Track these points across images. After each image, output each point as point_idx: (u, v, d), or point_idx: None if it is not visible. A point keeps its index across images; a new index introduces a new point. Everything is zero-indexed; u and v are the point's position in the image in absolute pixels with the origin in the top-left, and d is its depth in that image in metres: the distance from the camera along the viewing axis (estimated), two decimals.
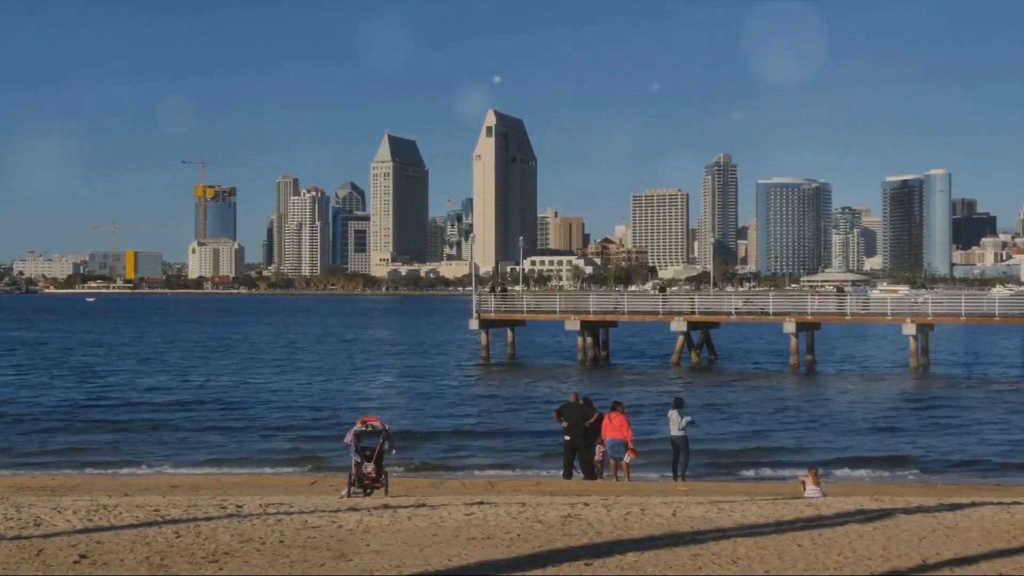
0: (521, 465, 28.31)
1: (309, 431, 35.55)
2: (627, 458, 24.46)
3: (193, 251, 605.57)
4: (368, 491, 18.03)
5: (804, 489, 21.07)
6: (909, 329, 56.75)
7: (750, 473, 27.83)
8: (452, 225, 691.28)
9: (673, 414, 25.71)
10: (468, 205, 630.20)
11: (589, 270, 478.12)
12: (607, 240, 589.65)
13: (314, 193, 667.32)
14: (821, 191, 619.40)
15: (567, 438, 24.93)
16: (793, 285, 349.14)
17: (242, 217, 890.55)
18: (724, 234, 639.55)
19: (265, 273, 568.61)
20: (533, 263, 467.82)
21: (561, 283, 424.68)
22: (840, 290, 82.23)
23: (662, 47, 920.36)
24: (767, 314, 62.60)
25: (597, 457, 24.85)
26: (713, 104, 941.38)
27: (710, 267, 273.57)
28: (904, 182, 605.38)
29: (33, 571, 9.96)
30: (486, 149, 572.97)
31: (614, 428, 24.48)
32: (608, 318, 65.38)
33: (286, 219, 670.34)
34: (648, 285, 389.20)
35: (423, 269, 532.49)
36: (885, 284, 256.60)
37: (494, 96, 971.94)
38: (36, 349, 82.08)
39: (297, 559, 10.48)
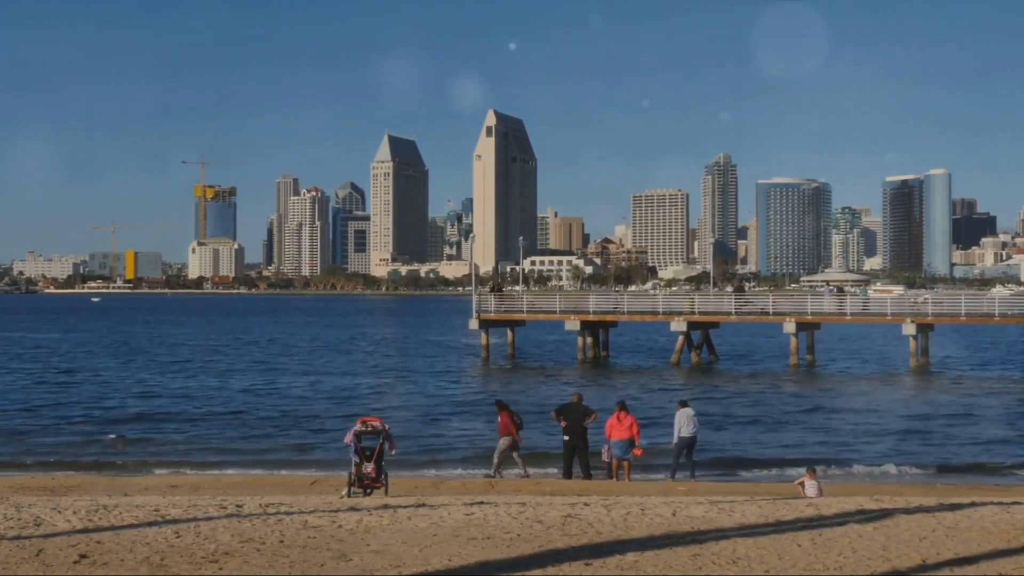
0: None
1: (310, 431, 35.56)
2: (632, 456, 24.54)
3: (193, 251, 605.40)
4: (368, 491, 18.05)
5: (804, 490, 21.09)
6: (909, 329, 56.74)
7: (750, 473, 27.82)
8: (452, 225, 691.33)
9: (685, 413, 25.66)
10: (468, 205, 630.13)
11: (589, 270, 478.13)
12: (607, 240, 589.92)
13: (314, 193, 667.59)
14: (821, 191, 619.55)
15: (566, 438, 24.96)
16: (793, 285, 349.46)
17: (242, 217, 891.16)
18: (724, 234, 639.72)
19: (265, 273, 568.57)
20: (533, 263, 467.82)
21: (561, 283, 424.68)
22: (841, 289, 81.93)
23: (662, 47, 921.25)
24: (767, 314, 62.56)
25: (604, 458, 24.89)
26: (713, 104, 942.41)
27: (710, 267, 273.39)
28: (904, 182, 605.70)
29: (33, 571, 9.97)
30: (486, 149, 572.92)
31: (623, 428, 24.49)
32: (608, 318, 65.37)
33: (286, 219, 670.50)
34: (648, 285, 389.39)
35: (423, 269, 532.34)
36: (879, 284, 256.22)
37: (494, 96, 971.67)
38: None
39: (297, 559, 10.48)
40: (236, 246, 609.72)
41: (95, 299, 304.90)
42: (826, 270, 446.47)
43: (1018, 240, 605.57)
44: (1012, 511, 13.84)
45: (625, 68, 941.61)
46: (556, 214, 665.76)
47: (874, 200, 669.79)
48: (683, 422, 25.56)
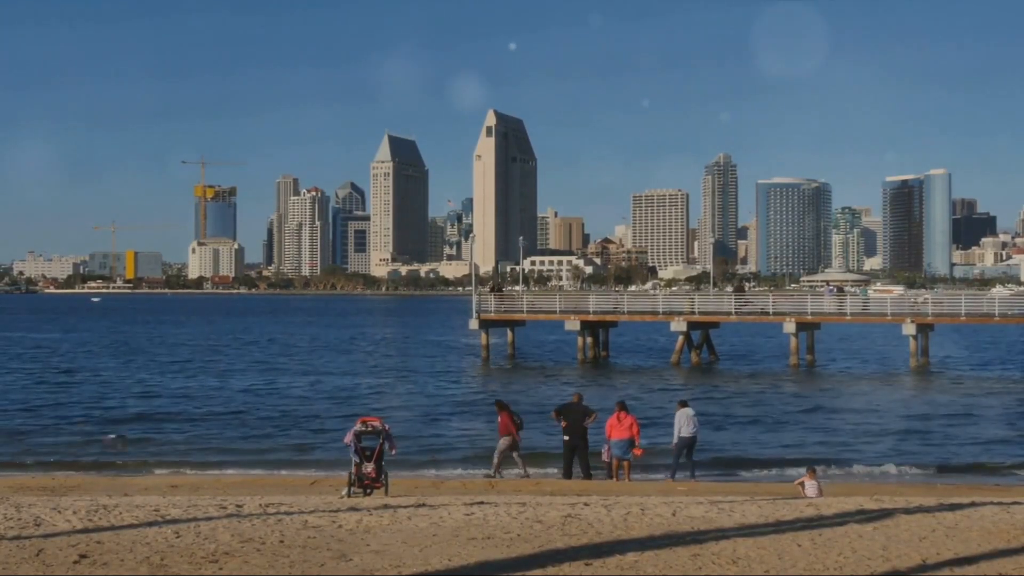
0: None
1: (310, 431, 35.58)
2: (632, 456, 24.55)
3: (193, 251, 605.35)
4: (368, 491, 18.05)
5: (804, 490, 21.10)
6: (909, 329, 56.73)
7: (750, 473, 27.82)
8: (452, 225, 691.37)
9: (685, 413, 25.64)
10: (468, 205, 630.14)
11: (589, 270, 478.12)
12: (607, 240, 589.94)
13: (314, 193, 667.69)
14: (821, 191, 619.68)
15: (566, 438, 24.97)
16: (793, 285, 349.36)
17: (242, 217, 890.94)
18: (724, 234, 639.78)
19: (265, 273, 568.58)
20: (533, 263, 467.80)
21: (561, 283, 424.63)
22: (841, 289, 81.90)
23: (662, 47, 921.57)
24: (767, 314, 62.54)
25: (604, 458, 24.90)
26: (713, 104, 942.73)
27: (710, 267, 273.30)
28: (904, 182, 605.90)
29: (33, 571, 9.97)
30: (486, 149, 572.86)
31: (623, 428, 24.48)
32: (608, 318, 65.36)
33: (286, 219, 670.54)
34: (648, 285, 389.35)
35: (423, 269, 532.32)
36: (879, 284, 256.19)
37: (494, 96, 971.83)
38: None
39: (297, 559, 10.49)
40: (236, 246, 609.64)
41: (95, 299, 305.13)
42: (826, 270, 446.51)
43: (1018, 240, 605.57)
44: (1012, 511, 13.84)
45: (625, 68, 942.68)
46: (556, 214, 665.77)
47: (874, 200, 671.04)
48: (683, 422, 25.56)
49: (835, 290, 75.22)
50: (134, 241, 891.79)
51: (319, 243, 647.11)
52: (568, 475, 24.86)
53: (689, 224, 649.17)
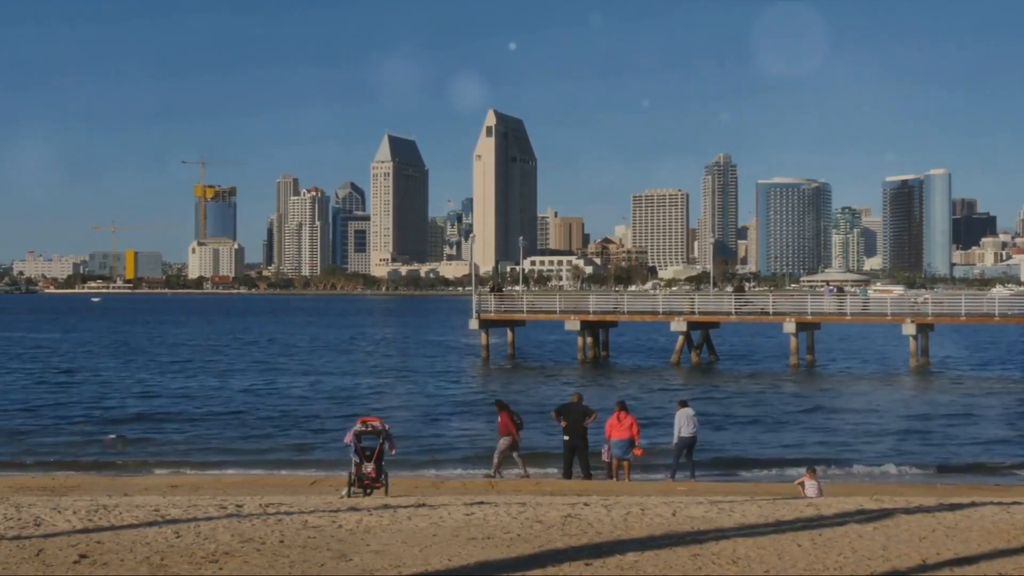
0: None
1: (310, 431, 35.57)
2: (632, 456, 24.55)
3: (193, 251, 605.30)
4: (368, 491, 18.05)
5: (804, 490, 21.10)
6: (909, 329, 56.73)
7: (750, 473, 27.82)
8: (452, 225, 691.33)
9: (685, 413, 25.64)
10: (468, 205, 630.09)
11: (589, 270, 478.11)
12: (607, 240, 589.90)
13: (314, 193, 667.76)
14: (821, 191, 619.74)
15: (566, 438, 24.97)
16: (793, 285, 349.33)
17: (242, 217, 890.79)
18: (724, 234, 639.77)
19: (265, 273, 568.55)
20: (533, 263, 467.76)
21: (561, 283, 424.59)
22: (841, 289, 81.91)
23: (662, 47, 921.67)
24: (767, 314, 62.54)
25: (604, 458, 24.90)
26: (713, 104, 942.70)
27: (710, 267, 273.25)
28: (904, 182, 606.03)
29: (33, 571, 9.97)
30: (486, 149, 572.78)
31: (623, 428, 24.48)
32: (608, 318, 65.36)
33: (286, 219, 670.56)
34: (648, 285, 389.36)
35: (423, 269, 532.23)
36: (879, 284, 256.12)
37: (494, 96, 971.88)
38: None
39: (297, 559, 10.49)
40: (236, 246, 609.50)
41: (95, 299, 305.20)
42: (826, 270, 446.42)
43: (1018, 240, 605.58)
44: (1012, 511, 13.84)
45: (625, 68, 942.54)
46: (556, 214, 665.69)
47: (874, 200, 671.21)
48: (683, 422, 25.56)
49: (835, 290, 75.19)
50: (134, 241, 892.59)
51: (319, 243, 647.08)
52: (568, 475, 24.86)
53: (689, 224, 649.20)
